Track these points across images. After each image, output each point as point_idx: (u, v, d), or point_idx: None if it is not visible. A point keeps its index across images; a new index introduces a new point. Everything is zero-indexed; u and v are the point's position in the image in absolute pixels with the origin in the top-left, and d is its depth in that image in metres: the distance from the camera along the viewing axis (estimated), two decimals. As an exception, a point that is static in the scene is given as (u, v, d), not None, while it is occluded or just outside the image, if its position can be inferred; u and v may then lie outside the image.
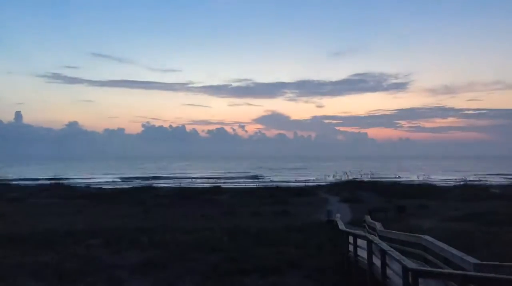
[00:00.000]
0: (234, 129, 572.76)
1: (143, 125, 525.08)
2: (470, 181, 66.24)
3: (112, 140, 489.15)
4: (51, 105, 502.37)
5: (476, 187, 49.63)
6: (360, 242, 11.47)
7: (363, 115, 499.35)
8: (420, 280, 6.42)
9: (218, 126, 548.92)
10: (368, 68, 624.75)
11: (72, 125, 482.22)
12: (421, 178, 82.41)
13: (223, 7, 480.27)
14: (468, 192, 42.74)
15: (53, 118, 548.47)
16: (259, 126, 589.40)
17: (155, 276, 13.53)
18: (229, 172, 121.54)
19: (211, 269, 13.70)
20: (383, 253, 8.29)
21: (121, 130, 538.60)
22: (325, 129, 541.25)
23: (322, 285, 12.71)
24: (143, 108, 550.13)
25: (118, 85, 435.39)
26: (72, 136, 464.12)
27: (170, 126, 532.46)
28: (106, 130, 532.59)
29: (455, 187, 50.81)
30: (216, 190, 49.88)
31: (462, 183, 59.44)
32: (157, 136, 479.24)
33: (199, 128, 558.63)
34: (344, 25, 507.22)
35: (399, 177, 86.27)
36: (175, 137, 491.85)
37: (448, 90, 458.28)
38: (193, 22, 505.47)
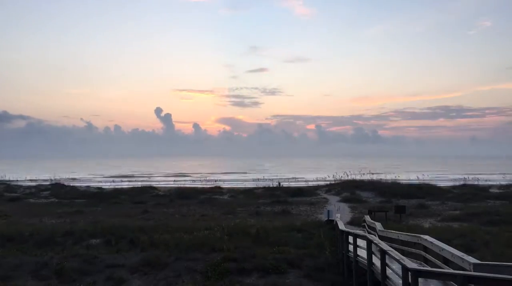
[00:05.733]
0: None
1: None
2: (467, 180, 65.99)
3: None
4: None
5: (476, 187, 49.63)
6: (360, 242, 11.45)
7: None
8: (420, 280, 6.42)
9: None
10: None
11: None
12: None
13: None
14: (468, 192, 42.74)
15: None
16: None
17: (155, 276, 13.55)
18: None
19: (211, 269, 13.70)
20: (383, 253, 8.28)
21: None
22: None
23: (322, 285, 12.72)
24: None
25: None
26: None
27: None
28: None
29: (454, 187, 50.76)
30: (216, 190, 49.81)
31: (461, 183, 59.35)
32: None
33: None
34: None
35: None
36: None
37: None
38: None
